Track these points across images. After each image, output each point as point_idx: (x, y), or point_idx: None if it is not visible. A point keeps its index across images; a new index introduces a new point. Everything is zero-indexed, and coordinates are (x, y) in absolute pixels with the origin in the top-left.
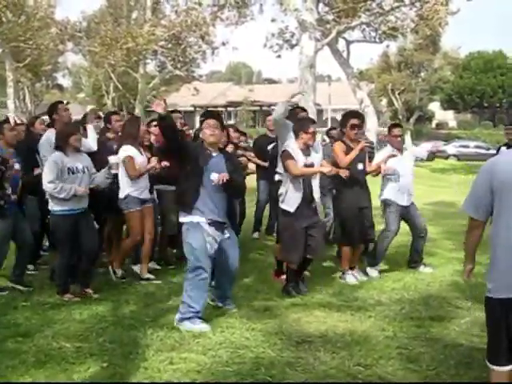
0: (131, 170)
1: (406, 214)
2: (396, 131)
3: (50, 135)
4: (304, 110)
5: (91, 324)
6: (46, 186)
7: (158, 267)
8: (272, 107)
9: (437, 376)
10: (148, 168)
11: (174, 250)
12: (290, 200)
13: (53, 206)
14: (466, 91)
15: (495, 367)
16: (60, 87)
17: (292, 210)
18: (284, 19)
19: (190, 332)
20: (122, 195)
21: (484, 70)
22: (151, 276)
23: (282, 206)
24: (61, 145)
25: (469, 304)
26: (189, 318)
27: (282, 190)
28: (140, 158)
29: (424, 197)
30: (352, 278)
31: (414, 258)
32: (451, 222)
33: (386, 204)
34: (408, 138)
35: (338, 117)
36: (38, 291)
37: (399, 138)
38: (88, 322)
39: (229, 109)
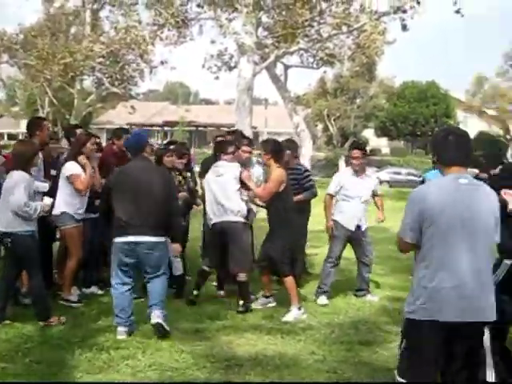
0: (79, 185)
1: (353, 239)
2: (354, 153)
3: None
4: (244, 136)
5: (17, 344)
6: (21, 207)
7: (101, 292)
8: (209, 128)
9: None
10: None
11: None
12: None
13: (21, 226)
14: (400, 119)
15: None
16: None
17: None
18: (223, 41)
19: (118, 353)
20: (57, 212)
21: (417, 99)
22: (73, 298)
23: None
24: (25, 165)
25: (398, 329)
26: None
27: None
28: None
29: None
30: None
31: (360, 286)
32: (382, 247)
33: (334, 225)
34: (342, 162)
35: None
36: None
37: (355, 161)
38: (14, 341)
39: (165, 128)
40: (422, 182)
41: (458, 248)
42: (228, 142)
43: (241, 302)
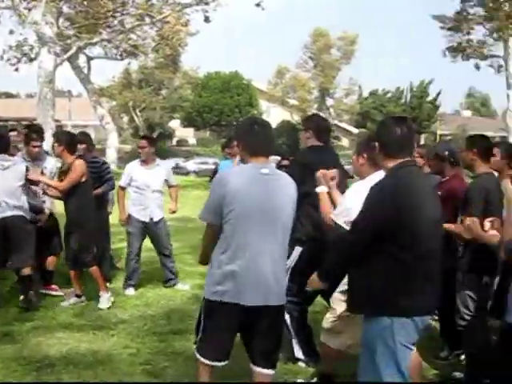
0: None
1: (149, 231)
2: (141, 143)
3: None
4: (35, 130)
5: None
6: None
7: None
8: (10, 122)
9: None
10: None
11: None
12: None
13: None
14: (205, 110)
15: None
16: None
17: None
18: (23, 32)
19: None
20: None
21: (222, 89)
22: None
23: None
24: None
25: None
26: None
27: None
28: None
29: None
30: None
31: (167, 276)
32: (191, 236)
33: (130, 220)
34: None
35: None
36: None
37: (142, 150)
38: None
39: None
40: (215, 171)
41: (257, 234)
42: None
43: (21, 297)
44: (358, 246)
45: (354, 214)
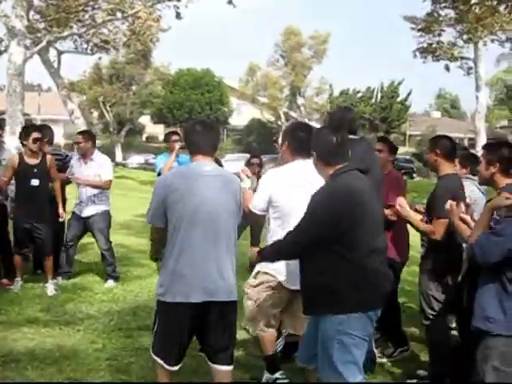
0: None
1: (89, 226)
2: (77, 138)
3: None
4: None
5: None
6: None
7: None
8: None
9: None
10: None
11: None
12: None
13: None
14: (176, 106)
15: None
16: None
17: None
18: None
19: None
20: None
21: (193, 86)
22: None
23: None
24: None
25: None
26: None
27: None
28: None
29: (133, 209)
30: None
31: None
32: None
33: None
34: (118, 150)
35: None
36: None
37: (78, 145)
38: None
39: None
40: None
41: (201, 232)
42: None
43: None
44: (299, 246)
45: (265, 198)
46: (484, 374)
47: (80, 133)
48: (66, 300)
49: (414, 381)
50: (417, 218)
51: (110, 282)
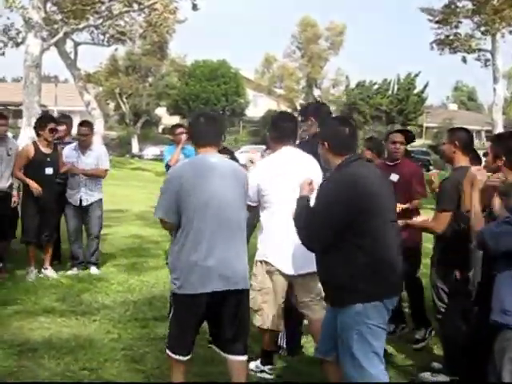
0: None
1: (85, 214)
2: (82, 130)
3: None
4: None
5: None
6: None
7: None
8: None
9: (161, 374)
10: None
11: None
12: None
13: None
14: (192, 98)
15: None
16: None
17: None
18: (10, 15)
19: None
20: None
21: (209, 78)
22: None
23: None
24: None
25: None
26: None
27: None
28: None
29: (149, 200)
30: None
31: (86, 259)
32: None
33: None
34: (135, 141)
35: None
36: None
37: (83, 137)
38: None
39: None
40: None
41: (214, 223)
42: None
43: None
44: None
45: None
46: (501, 367)
47: (84, 124)
48: (82, 290)
49: (428, 373)
50: (419, 220)
51: (95, 270)
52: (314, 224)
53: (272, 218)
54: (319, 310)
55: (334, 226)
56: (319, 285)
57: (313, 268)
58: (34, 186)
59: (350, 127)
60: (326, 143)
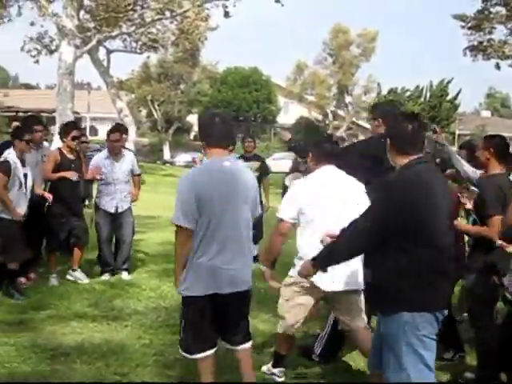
0: None
1: (115, 221)
2: (114, 136)
3: None
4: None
5: None
6: None
7: None
8: (30, 113)
9: (191, 380)
10: None
11: None
12: None
13: None
14: (223, 105)
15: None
16: None
17: None
18: (43, 23)
19: None
20: None
21: (240, 85)
22: None
23: None
24: None
25: None
26: None
27: None
28: None
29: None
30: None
31: (117, 265)
32: None
33: (95, 209)
34: (166, 148)
35: (98, 125)
36: None
37: (111, 144)
38: None
39: None
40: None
41: (226, 226)
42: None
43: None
44: (367, 237)
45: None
46: None
47: (117, 130)
48: (114, 296)
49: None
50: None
51: (126, 275)
52: (363, 230)
53: (313, 237)
54: (361, 326)
55: (383, 232)
56: (360, 301)
57: (355, 285)
58: (68, 175)
59: (414, 123)
60: (389, 141)
